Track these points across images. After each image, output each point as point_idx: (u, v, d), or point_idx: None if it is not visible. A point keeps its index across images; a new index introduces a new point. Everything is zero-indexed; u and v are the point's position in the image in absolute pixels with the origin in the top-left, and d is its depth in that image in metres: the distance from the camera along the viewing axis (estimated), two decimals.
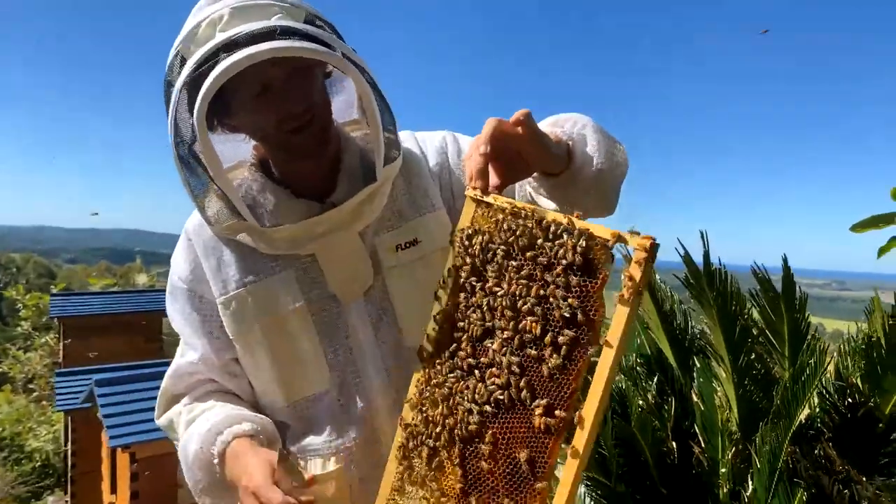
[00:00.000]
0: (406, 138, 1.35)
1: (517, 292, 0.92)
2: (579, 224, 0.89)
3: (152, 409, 2.35)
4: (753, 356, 1.87)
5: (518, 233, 0.93)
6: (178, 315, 1.30)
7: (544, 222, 0.91)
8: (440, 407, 1.01)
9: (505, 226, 0.95)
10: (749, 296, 1.85)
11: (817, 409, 1.82)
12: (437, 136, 1.41)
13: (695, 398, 2.02)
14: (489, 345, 0.94)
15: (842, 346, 1.84)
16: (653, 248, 0.85)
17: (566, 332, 0.88)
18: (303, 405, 1.29)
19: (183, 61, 1.11)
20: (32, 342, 9.16)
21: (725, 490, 1.81)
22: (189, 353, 1.30)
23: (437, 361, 1.02)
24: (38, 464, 5.34)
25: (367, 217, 1.25)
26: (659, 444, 1.98)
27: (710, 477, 1.85)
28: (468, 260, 1.01)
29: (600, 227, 0.89)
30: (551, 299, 0.89)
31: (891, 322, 1.51)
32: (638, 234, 0.86)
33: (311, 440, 1.29)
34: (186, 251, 1.28)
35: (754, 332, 1.89)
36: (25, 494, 4.62)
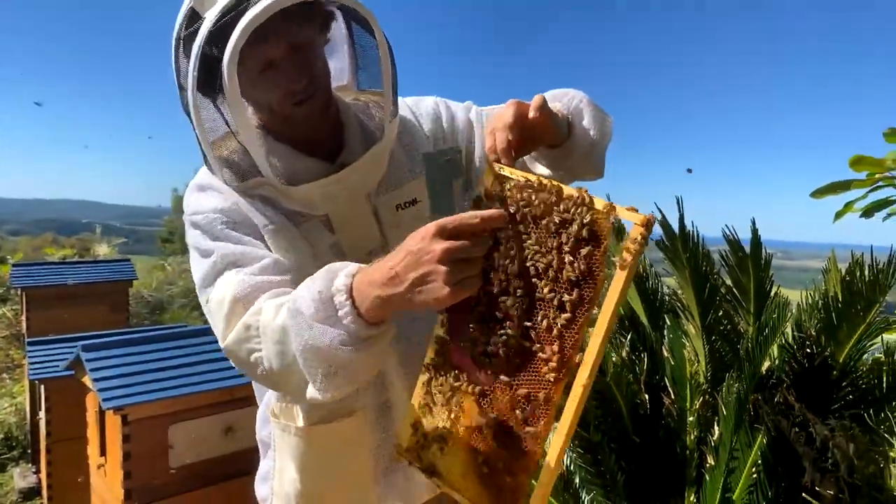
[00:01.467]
0: None
1: (531, 256, 1.00)
2: (588, 199, 0.98)
3: (139, 372, 2.39)
4: (721, 313, 2.01)
5: (536, 203, 1.01)
6: (223, 242, 1.20)
7: (562, 194, 0.99)
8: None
9: (523, 195, 1.02)
10: (719, 257, 1.98)
11: (777, 361, 1.97)
12: (429, 101, 1.45)
13: (665, 353, 2.16)
14: (504, 300, 1.02)
15: (801, 303, 2.00)
16: (650, 224, 0.95)
17: (573, 292, 0.97)
18: None
19: (195, 16, 1.12)
20: None
21: (693, 437, 1.96)
22: (253, 264, 1.17)
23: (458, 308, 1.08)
24: (1, 437, 5.24)
25: (375, 177, 1.31)
26: (632, 396, 2.12)
27: (679, 425, 2.00)
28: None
29: (603, 202, 0.98)
30: (562, 263, 0.98)
31: (847, 279, 1.65)
32: (636, 210, 0.96)
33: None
34: (218, 193, 1.24)
35: (722, 290, 2.03)
36: None
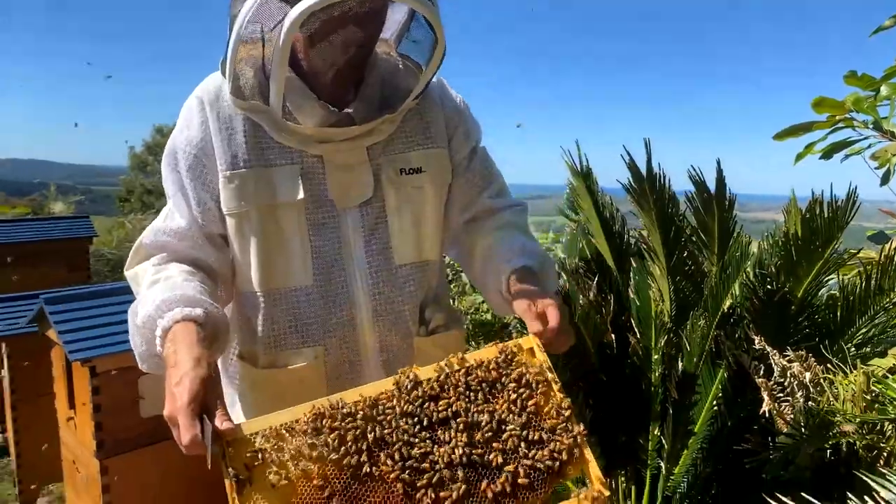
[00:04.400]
0: None
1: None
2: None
3: (106, 325, 2.35)
4: (686, 254, 2.06)
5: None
6: (174, 178, 1.31)
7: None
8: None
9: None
10: (684, 198, 2.01)
11: (739, 299, 2.04)
12: (456, 95, 1.51)
13: (631, 295, 2.21)
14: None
15: (762, 243, 2.06)
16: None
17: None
18: (283, 295, 1.35)
19: None
20: None
21: (657, 373, 2.02)
22: (176, 218, 1.31)
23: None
24: None
25: (377, 136, 1.34)
26: (599, 336, 2.18)
27: (645, 363, 2.06)
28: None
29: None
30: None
31: (807, 216, 1.70)
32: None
33: (288, 332, 1.36)
34: (199, 117, 1.28)
35: (687, 232, 2.08)
36: None
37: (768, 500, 1.26)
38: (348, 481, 1.00)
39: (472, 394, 1.13)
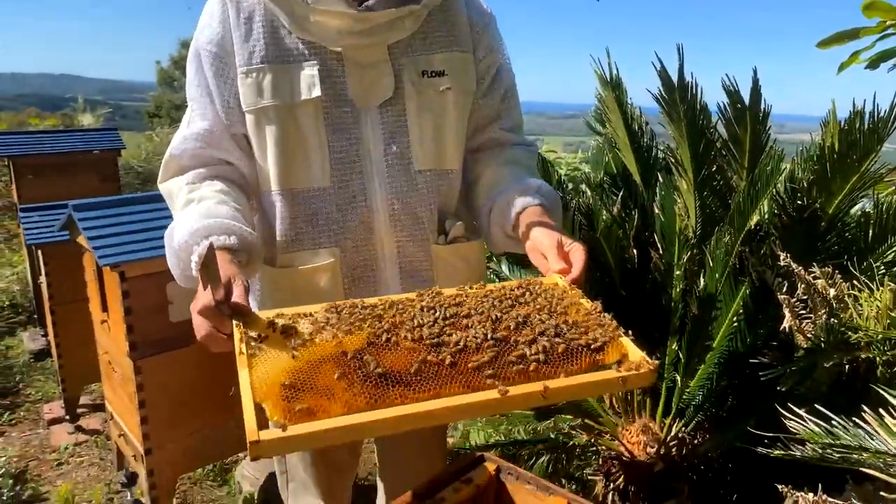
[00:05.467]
0: None
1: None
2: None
3: (134, 231, 2.39)
4: (715, 168, 2.00)
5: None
6: (198, 80, 1.32)
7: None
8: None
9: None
10: (717, 109, 1.93)
11: (767, 215, 1.99)
12: (484, 3, 1.45)
13: (656, 210, 2.17)
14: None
15: (796, 157, 1.98)
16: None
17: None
18: (300, 195, 1.35)
19: None
20: None
21: (679, 289, 2.01)
22: (199, 122, 1.32)
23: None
24: (7, 304, 5.38)
25: (399, 33, 1.31)
26: (621, 251, 2.16)
27: (666, 278, 2.05)
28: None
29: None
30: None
31: (845, 128, 1.62)
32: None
33: (306, 232, 1.36)
34: (220, 14, 1.28)
35: (717, 145, 2.01)
36: None
37: (781, 411, 1.27)
38: (365, 347, 0.97)
39: (496, 301, 1.11)
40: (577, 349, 1.00)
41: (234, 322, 1.01)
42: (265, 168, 1.34)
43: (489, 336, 1.00)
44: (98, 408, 3.69)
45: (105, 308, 2.35)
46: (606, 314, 1.10)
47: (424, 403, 0.89)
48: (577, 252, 1.21)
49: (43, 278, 3.40)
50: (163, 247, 1.30)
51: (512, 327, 1.03)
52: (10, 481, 3.03)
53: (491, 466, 1.34)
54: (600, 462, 2.20)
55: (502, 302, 1.11)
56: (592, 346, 1.01)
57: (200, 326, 1.03)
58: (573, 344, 1.00)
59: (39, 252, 3.33)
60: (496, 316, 1.06)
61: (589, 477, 2.22)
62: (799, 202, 1.77)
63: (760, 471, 1.82)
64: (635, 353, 1.02)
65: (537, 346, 0.98)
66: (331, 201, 1.33)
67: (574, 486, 2.35)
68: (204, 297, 1.01)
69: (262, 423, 0.84)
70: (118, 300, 2.18)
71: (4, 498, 2.92)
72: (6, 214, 7.11)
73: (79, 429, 3.51)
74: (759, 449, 1.29)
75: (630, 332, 1.08)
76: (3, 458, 3.20)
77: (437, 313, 1.06)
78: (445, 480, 1.10)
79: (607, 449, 2.14)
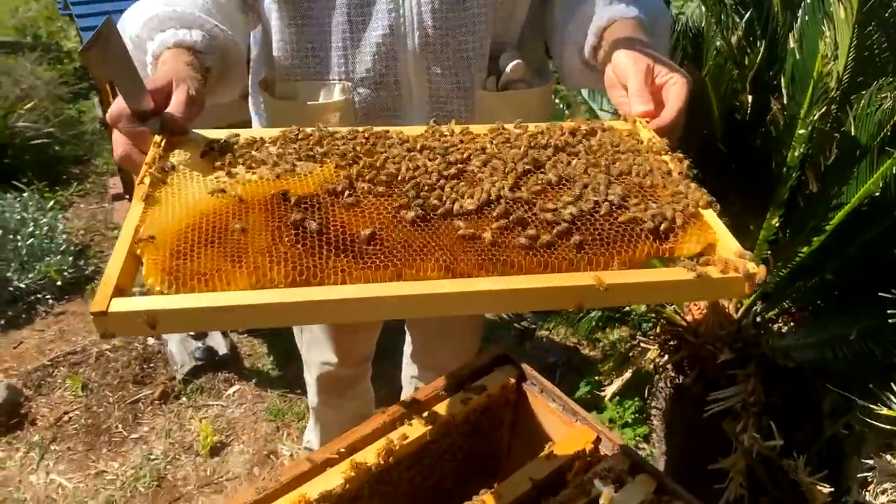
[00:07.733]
0: None
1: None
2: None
3: None
4: None
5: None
6: None
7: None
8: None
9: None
10: None
11: None
12: None
13: (791, 44, 1.64)
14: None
15: None
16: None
17: None
18: (309, 16, 1.06)
19: None
20: None
21: (798, 152, 1.57)
22: None
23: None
24: (76, 65, 5.27)
25: None
26: (731, 96, 1.69)
27: (784, 135, 1.60)
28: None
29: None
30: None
31: None
32: None
33: (308, 53, 1.10)
34: None
35: None
36: (67, 95, 4.61)
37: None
38: (317, 194, 0.71)
39: (531, 151, 0.81)
40: (634, 230, 0.71)
41: (156, 140, 0.78)
42: None
43: (501, 194, 0.72)
44: None
45: None
46: (693, 183, 0.79)
47: (373, 286, 0.62)
48: (675, 87, 0.89)
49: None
50: None
51: (542, 185, 0.75)
52: (71, 259, 3.12)
53: (513, 372, 1.15)
54: (658, 332, 1.97)
55: (544, 150, 0.82)
56: (661, 228, 0.71)
57: (118, 142, 0.81)
58: (628, 221, 0.71)
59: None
60: (525, 168, 0.77)
61: (643, 345, 2.01)
62: None
63: (844, 384, 1.55)
64: (728, 246, 0.71)
65: (565, 216, 0.70)
66: (341, 13, 1.02)
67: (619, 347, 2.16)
68: (116, 103, 0.79)
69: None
70: None
71: (67, 275, 3.03)
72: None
73: None
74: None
75: (718, 204, 0.77)
76: (66, 236, 3.26)
77: (441, 157, 0.77)
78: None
79: (668, 322, 1.90)
